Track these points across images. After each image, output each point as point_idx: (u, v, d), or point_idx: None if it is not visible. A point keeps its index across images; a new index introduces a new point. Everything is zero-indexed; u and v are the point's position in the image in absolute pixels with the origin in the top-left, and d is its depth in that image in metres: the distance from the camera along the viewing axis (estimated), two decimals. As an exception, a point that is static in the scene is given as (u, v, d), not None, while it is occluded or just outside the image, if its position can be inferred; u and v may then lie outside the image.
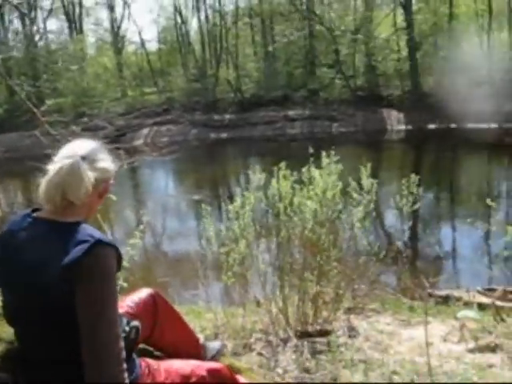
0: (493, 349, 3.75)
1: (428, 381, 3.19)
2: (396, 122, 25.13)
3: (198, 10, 35.16)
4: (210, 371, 2.01)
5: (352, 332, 4.01)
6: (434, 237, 10.48)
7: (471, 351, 3.80)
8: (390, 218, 9.73)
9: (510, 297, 5.39)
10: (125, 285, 3.06)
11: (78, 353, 1.59)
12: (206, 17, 34.95)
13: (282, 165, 4.00)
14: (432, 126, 23.31)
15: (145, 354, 2.06)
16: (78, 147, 1.86)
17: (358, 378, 3.29)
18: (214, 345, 2.60)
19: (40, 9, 36.27)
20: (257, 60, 33.91)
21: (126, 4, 37.21)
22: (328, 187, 3.92)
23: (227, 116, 28.54)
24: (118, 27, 37.38)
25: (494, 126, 21.82)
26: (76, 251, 1.63)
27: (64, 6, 36.21)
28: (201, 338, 2.52)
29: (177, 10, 35.83)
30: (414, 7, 28.53)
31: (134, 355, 1.87)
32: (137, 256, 3.88)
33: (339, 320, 4.18)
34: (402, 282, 6.32)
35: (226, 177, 20.09)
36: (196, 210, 11.90)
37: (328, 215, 3.95)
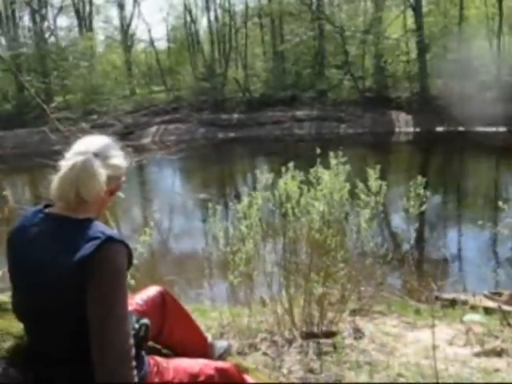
0: (499, 353, 3.73)
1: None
2: (404, 124, 25.07)
3: (208, 10, 35.25)
4: (219, 370, 2.01)
5: (357, 334, 4.00)
6: (440, 239, 10.45)
7: (477, 355, 3.79)
8: (397, 220, 9.69)
9: (517, 301, 5.37)
10: (132, 282, 3.06)
11: (87, 350, 1.59)
12: (216, 16, 35.06)
13: (290, 165, 3.99)
14: (440, 129, 23.24)
15: (153, 351, 2.06)
16: (91, 143, 1.85)
17: (363, 379, 3.28)
18: (221, 344, 2.60)
19: (50, 6, 36.51)
20: (265, 60, 33.90)
21: (135, 2, 37.36)
22: (336, 188, 3.91)
23: (235, 115, 28.56)
24: (128, 25, 37.51)
25: (502, 129, 21.73)
26: (87, 247, 1.63)
27: (74, 4, 36.36)
28: (209, 336, 2.52)
29: (187, 9, 35.95)
30: (424, 9, 28.47)
31: (143, 353, 1.87)
32: (145, 253, 3.89)
33: (345, 321, 4.17)
34: (408, 285, 6.30)
35: (234, 176, 20.10)
36: (203, 209, 11.90)
37: (335, 216, 3.95)
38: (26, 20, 36.05)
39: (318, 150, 4.14)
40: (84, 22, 36.68)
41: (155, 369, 1.85)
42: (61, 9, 36.78)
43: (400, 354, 3.79)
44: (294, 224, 3.96)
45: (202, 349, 2.31)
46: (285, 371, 3.33)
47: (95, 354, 1.58)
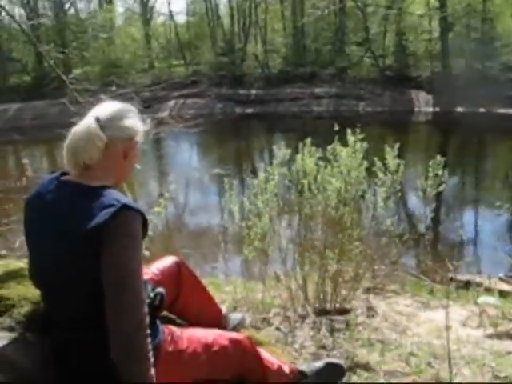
0: (512, 336, 3.73)
1: (445, 364, 3.19)
2: (424, 103, 24.77)
3: (228, -17, 34.82)
4: (232, 341, 2.02)
5: (370, 312, 4.01)
6: (457, 221, 10.38)
7: (490, 337, 3.78)
8: (414, 199, 9.61)
9: (533, 285, 5.34)
10: (147, 253, 3.08)
11: (102, 316, 1.60)
12: (236, -10, 34.63)
13: (308, 141, 3.97)
14: (460, 109, 22.92)
15: (168, 321, 2.08)
16: (97, 109, 1.86)
17: (375, 357, 3.30)
18: (235, 316, 2.61)
19: (70, -23, 36.25)
20: (285, 35, 33.54)
21: (156, -26, 36.96)
22: (353, 166, 3.89)
23: (253, 91, 28.40)
24: (148, -2, 37.25)
25: (524, 111, 21.40)
26: (102, 215, 1.62)
27: (94, -25, 36.15)
28: (223, 308, 2.53)
29: (206, -18, 35.55)
30: (448, -14, 27.89)
31: (158, 321, 1.88)
32: (160, 226, 3.91)
33: (358, 299, 4.18)
34: (423, 265, 6.29)
35: (250, 152, 20.07)
36: (219, 184, 11.93)
37: (352, 194, 3.93)
38: (46, -9, 35.95)
39: (336, 127, 4.10)
40: (104, -7, 36.51)
41: (169, 337, 1.86)
42: (81, -20, 36.64)
43: (412, 334, 3.79)
44: (310, 201, 3.95)
45: (217, 320, 2.32)
46: (297, 346, 3.35)
47: (110, 321, 1.59)
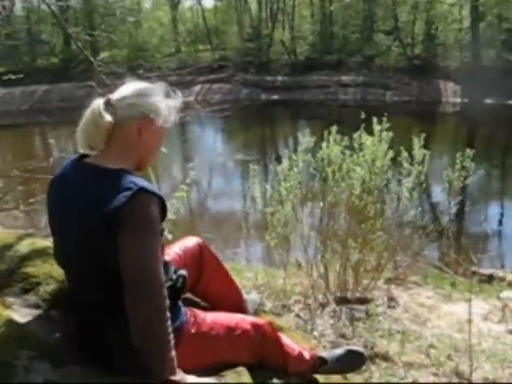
0: (534, 332, 3.69)
1: (466, 358, 3.17)
2: (452, 94, 24.39)
3: (257, -32, 34.56)
4: (254, 325, 2.03)
5: (391, 302, 4.00)
6: (481, 214, 10.24)
7: (511, 332, 3.75)
8: (438, 191, 9.50)
9: (557, 281, 5.26)
10: (170, 237, 3.10)
11: (122, 299, 1.60)
12: (264, -25, 34.37)
13: (333, 129, 3.95)
14: (489, 101, 22.51)
15: (191, 304, 2.09)
16: (115, 91, 1.85)
17: (394, 348, 3.29)
18: (253, 297, 2.60)
19: (100, -41, 36.29)
20: (313, 22, 33.22)
21: (184, -42, 36.85)
22: (378, 155, 3.86)
23: (279, 78, 28.27)
24: (175, -18, 37.18)
25: (555, 104, 20.98)
26: (119, 198, 1.61)
27: (123, -42, 36.10)
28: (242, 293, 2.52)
29: (235, -33, 35.34)
30: (481, -25, 27.33)
31: (180, 303, 1.88)
32: (182, 210, 3.92)
33: (379, 289, 4.17)
34: (446, 257, 6.23)
35: (275, 138, 20.02)
36: (242, 170, 11.92)
37: (376, 183, 3.90)
38: (76, -27, 36.06)
39: (363, 115, 4.08)
40: (132, -24, 36.50)
41: (192, 320, 1.87)
42: (110, -38, 36.64)
43: (433, 326, 3.78)
44: (334, 189, 3.94)
45: (238, 303, 2.31)
46: (316, 334, 3.36)
47: (129, 304, 1.59)
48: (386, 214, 4.24)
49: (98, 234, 1.63)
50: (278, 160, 4.40)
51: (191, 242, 2.24)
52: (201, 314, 1.93)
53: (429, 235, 4.40)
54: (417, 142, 3.95)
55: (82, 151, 1.82)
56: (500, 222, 9.65)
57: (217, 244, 6.84)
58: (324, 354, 2.32)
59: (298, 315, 3.57)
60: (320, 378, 2.28)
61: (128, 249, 1.61)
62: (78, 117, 1.83)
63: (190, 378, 1.67)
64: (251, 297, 2.60)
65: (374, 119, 3.98)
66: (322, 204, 4.02)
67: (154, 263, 1.63)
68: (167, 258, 1.95)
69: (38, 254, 2.08)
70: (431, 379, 3.06)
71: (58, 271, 1.89)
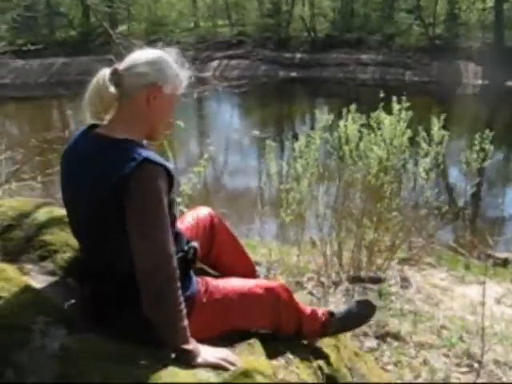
0: (548, 316, 3.67)
1: (477, 340, 3.17)
2: (473, 75, 24.02)
3: None
4: (267, 289, 2.01)
5: (404, 283, 4.00)
6: (498, 197, 10.15)
7: (525, 316, 3.74)
8: (456, 173, 9.43)
9: None
10: (185, 210, 3.11)
11: (131, 269, 1.61)
12: (286, -50, 33.88)
13: (352, 108, 3.92)
14: (511, 84, 22.17)
15: (203, 273, 2.09)
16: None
17: (406, 327, 3.30)
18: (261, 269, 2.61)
19: None
20: (334, -1, 32.83)
21: None
22: (396, 134, 3.83)
23: (298, 55, 27.98)
24: (196, -45, 36.80)
25: None
26: (124, 168, 1.61)
27: None
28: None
29: None
30: (507, -47, 26.70)
31: (192, 273, 1.88)
32: (199, 185, 3.93)
33: (393, 269, 4.17)
34: (461, 240, 6.20)
35: (292, 116, 19.92)
36: (259, 147, 11.87)
37: (393, 163, 3.88)
38: None
39: (382, 94, 4.04)
40: (152, -51, 36.17)
41: (203, 288, 1.87)
42: None
43: (445, 307, 3.78)
44: (351, 168, 3.92)
45: (250, 273, 2.30)
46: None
47: (139, 275, 1.60)
48: (402, 194, 4.22)
49: (106, 205, 1.63)
50: (295, 137, 4.38)
51: (203, 211, 2.24)
52: (213, 281, 1.94)
53: (444, 217, 4.38)
54: (436, 123, 3.91)
55: (90, 121, 1.82)
56: (516, 206, 9.56)
57: (232, 220, 6.82)
58: (335, 310, 2.31)
59: (310, 292, 3.59)
60: (331, 352, 2.27)
61: (133, 219, 1.61)
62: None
63: (204, 348, 1.68)
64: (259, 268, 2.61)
65: (394, 98, 3.95)
66: (337, 182, 4.01)
67: (159, 233, 1.63)
68: (180, 226, 1.96)
69: (55, 222, 2.10)
70: (442, 360, 3.07)
71: (74, 240, 1.90)
